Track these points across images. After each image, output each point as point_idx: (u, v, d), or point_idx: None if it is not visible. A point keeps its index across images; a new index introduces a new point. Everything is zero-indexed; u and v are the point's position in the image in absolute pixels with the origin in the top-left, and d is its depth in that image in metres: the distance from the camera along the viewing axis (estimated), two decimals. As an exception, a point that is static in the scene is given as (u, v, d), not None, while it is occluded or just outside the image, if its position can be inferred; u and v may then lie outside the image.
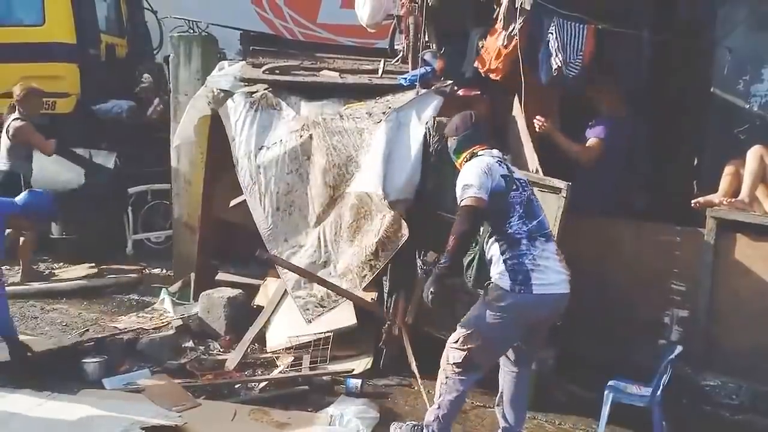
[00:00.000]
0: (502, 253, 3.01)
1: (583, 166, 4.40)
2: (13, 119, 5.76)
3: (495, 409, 3.41)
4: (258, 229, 4.57)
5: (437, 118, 4.28)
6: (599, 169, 4.43)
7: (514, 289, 2.95)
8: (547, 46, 4.29)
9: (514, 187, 3.09)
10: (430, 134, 4.25)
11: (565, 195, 3.70)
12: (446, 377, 3.14)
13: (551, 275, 3.01)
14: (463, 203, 3.01)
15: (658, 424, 3.45)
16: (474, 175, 3.05)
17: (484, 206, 3.00)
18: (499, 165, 3.15)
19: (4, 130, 5.80)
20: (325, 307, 4.34)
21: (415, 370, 3.95)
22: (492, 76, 4.47)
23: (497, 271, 3.02)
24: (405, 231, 4.10)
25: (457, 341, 3.09)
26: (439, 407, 3.18)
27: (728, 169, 4.17)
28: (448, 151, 3.39)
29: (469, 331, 3.05)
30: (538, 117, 4.34)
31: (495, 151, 3.23)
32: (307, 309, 4.33)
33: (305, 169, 4.53)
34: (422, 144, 4.24)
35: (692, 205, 4.14)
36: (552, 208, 3.69)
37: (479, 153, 3.20)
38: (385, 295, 4.32)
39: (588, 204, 4.35)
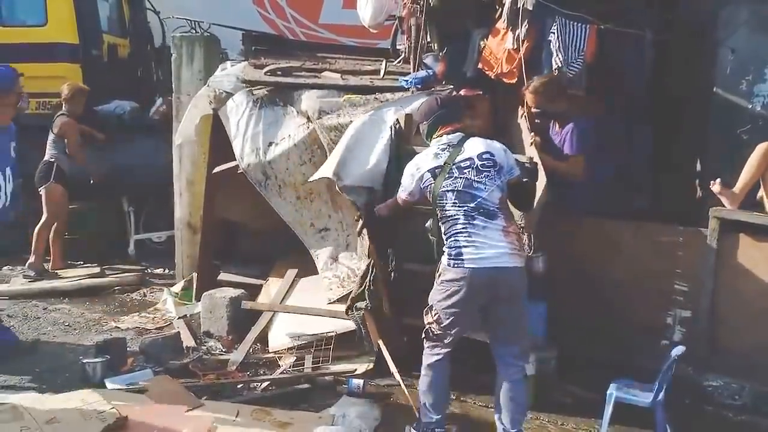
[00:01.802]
0: (444, 233, 3.27)
1: (574, 179, 4.30)
2: (59, 114, 6.19)
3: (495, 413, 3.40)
4: (282, 218, 4.65)
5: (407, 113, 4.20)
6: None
7: (450, 264, 3.21)
8: (549, 46, 4.29)
9: (447, 175, 3.26)
10: (393, 129, 4.16)
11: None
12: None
13: (486, 250, 3.16)
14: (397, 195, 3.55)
15: (660, 424, 3.45)
16: (405, 175, 3.46)
17: (407, 204, 3.53)
18: (436, 157, 3.33)
19: (52, 125, 6.19)
20: (345, 287, 4.41)
21: (398, 378, 3.92)
22: (505, 80, 4.45)
23: (443, 249, 3.28)
24: (360, 221, 4.06)
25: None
26: (420, 389, 3.40)
27: (759, 151, 3.95)
28: (423, 138, 3.55)
29: (428, 306, 3.33)
30: (532, 134, 4.28)
31: (445, 138, 3.38)
32: (331, 289, 4.44)
33: (318, 158, 4.54)
34: (390, 137, 4.14)
35: (710, 185, 4.05)
36: None
37: (436, 138, 3.42)
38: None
39: (577, 203, 4.34)
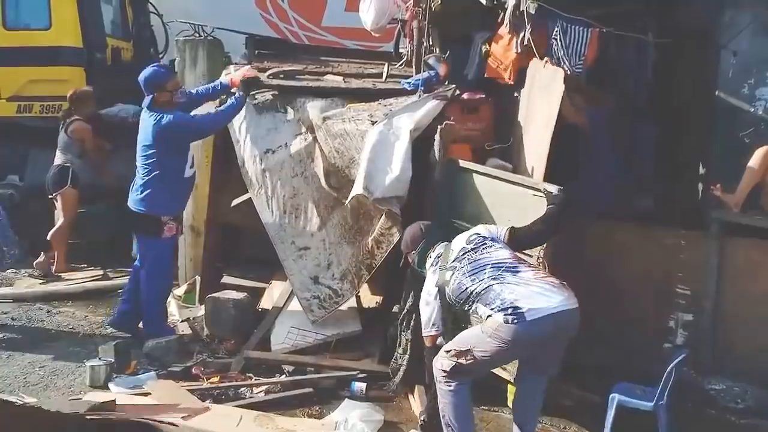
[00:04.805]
0: (486, 305, 3.05)
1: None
2: (75, 119, 6.22)
3: (512, 414, 3.40)
4: (266, 231, 4.58)
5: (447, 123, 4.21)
6: (590, 165, 4.43)
7: (508, 321, 2.95)
8: (551, 50, 4.31)
9: (450, 275, 3.20)
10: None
11: None
12: (437, 381, 3.19)
13: (538, 299, 2.96)
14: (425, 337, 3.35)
15: (663, 428, 3.45)
16: (422, 304, 3.32)
17: (439, 338, 3.29)
18: (434, 273, 3.29)
19: (63, 128, 6.23)
20: (326, 309, 4.37)
21: None
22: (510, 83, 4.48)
23: (488, 313, 3.04)
24: (399, 227, 4.04)
25: (449, 351, 3.12)
26: (444, 416, 3.19)
27: (759, 154, 3.98)
28: (414, 267, 3.54)
29: (463, 348, 3.08)
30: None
31: (433, 254, 3.38)
32: (312, 310, 4.37)
33: (310, 172, 4.53)
34: (409, 144, 4.15)
35: (710, 189, 4.06)
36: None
37: (429, 260, 3.39)
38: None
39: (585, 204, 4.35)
